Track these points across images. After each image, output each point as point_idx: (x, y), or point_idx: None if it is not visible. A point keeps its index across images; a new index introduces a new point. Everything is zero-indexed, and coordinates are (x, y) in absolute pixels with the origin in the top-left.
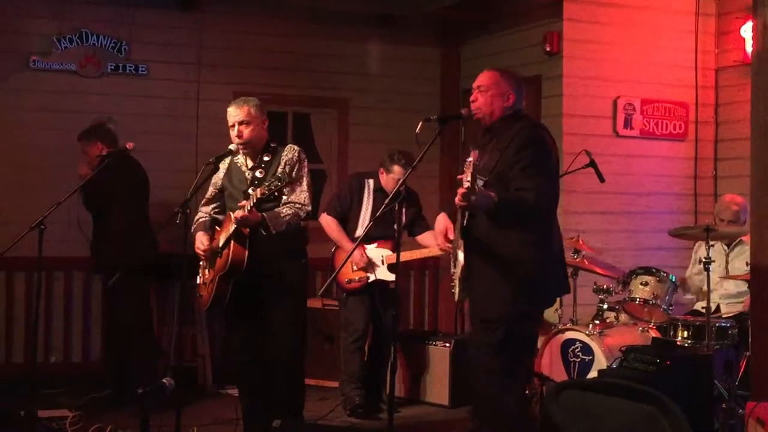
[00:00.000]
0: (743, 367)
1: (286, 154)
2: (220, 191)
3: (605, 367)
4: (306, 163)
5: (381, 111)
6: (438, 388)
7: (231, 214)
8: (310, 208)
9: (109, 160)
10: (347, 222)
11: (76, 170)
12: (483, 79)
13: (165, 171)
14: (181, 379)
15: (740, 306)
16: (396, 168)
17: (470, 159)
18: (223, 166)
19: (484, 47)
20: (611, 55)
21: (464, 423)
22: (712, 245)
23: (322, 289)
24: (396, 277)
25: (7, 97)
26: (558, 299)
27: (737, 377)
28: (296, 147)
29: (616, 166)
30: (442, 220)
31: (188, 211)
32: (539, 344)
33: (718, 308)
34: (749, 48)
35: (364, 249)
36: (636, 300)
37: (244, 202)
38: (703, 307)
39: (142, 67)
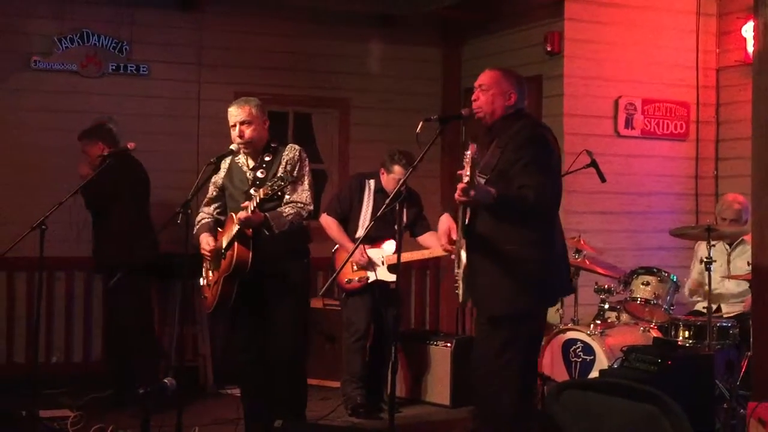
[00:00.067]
0: (744, 367)
1: (287, 154)
2: (221, 191)
3: (606, 367)
4: (307, 163)
5: (382, 111)
6: (439, 388)
7: (233, 214)
8: (312, 207)
9: (110, 160)
10: (348, 222)
11: (77, 170)
12: (484, 78)
13: (166, 171)
14: (182, 379)
15: (741, 306)
16: (397, 168)
17: (469, 153)
18: (224, 166)
19: (485, 47)
20: (612, 55)
21: (465, 423)
22: (714, 245)
23: (323, 288)
24: (397, 277)
25: (7, 97)
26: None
27: (738, 377)
28: (297, 146)
29: (617, 166)
30: (445, 221)
31: (189, 211)
32: None
33: (719, 308)
34: (750, 48)
35: (365, 249)
36: (637, 300)
37: (246, 203)
38: (704, 307)
39: (143, 67)
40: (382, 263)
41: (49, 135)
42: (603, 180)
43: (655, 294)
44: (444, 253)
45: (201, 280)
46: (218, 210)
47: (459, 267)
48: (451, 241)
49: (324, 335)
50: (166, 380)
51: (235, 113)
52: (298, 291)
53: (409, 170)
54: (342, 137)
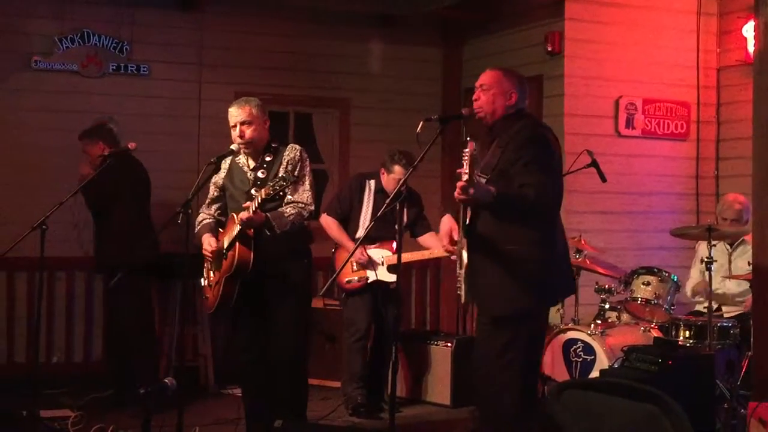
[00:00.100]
0: (745, 366)
1: (288, 154)
2: (222, 192)
3: (607, 367)
4: (308, 162)
5: (382, 111)
6: (440, 387)
7: (234, 215)
8: (313, 207)
9: (111, 160)
10: (348, 223)
11: (78, 170)
12: (485, 77)
13: (166, 171)
14: (182, 379)
15: (742, 306)
16: (397, 168)
17: (467, 150)
18: (224, 166)
19: (486, 47)
20: (613, 55)
21: (466, 423)
22: (714, 245)
23: (324, 288)
24: (397, 277)
25: (8, 97)
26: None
27: (739, 377)
28: (298, 146)
29: (618, 166)
30: (446, 222)
31: (190, 211)
32: None
33: (719, 308)
34: (751, 47)
35: (365, 248)
36: (638, 300)
37: (248, 203)
38: (704, 307)
39: (143, 67)
40: (382, 263)
41: (50, 135)
42: (603, 180)
43: (655, 294)
44: (445, 254)
45: (202, 280)
46: (219, 211)
47: (461, 268)
48: (452, 242)
49: (324, 335)
50: (166, 380)
51: (236, 113)
52: (299, 291)
53: (410, 170)
54: (342, 137)
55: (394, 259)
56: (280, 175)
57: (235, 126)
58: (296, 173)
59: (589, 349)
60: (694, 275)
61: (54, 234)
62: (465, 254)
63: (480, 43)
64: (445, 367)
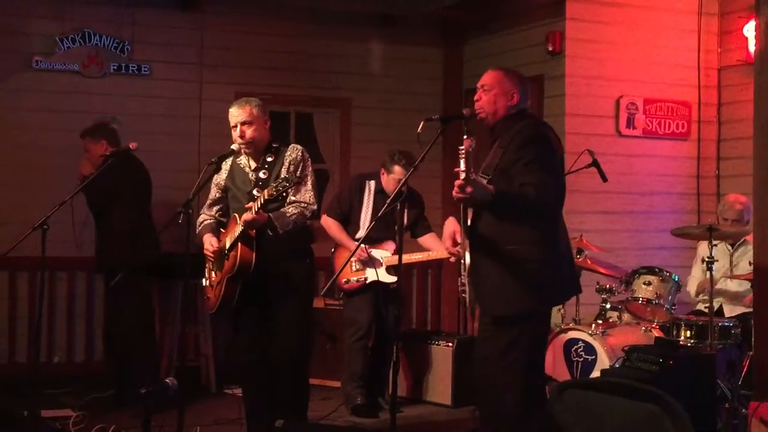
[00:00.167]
0: (746, 366)
1: (290, 154)
2: (224, 193)
3: (608, 367)
4: (310, 162)
5: (383, 111)
6: (441, 387)
7: (236, 215)
8: (315, 206)
9: (112, 160)
10: (349, 224)
11: (79, 169)
12: (487, 78)
13: (167, 171)
14: (183, 379)
15: (743, 306)
16: (396, 168)
17: (462, 148)
18: (225, 166)
19: (486, 47)
20: (614, 55)
21: (467, 423)
22: (716, 245)
23: (325, 288)
24: (398, 278)
25: (9, 97)
26: None
27: (740, 377)
28: (299, 146)
29: (619, 166)
30: (450, 224)
31: (190, 211)
32: None
33: (721, 308)
34: (752, 47)
35: (366, 248)
36: (639, 299)
37: (251, 204)
38: (706, 307)
39: (144, 67)
40: (382, 264)
41: (51, 135)
42: (604, 180)
43: (656, 294)
44: (446, 256)
45: (203, 280)
46: (220, 212)
47: (464, 271)
48: (455, 244)
49: (325, 335)
50: (167, 380)
51: (236, 114)
52: (301, 291)
53: (410, 171)
54: (343, 137)
55: (393, 260)
56: (282, 176)
57: (235, 126)
58: (298, 173)
59: (590, 348)
60: (696, 274)
61: (55, 234)
62: (468, 255)
63: (481, 43)
64: (446, 367)
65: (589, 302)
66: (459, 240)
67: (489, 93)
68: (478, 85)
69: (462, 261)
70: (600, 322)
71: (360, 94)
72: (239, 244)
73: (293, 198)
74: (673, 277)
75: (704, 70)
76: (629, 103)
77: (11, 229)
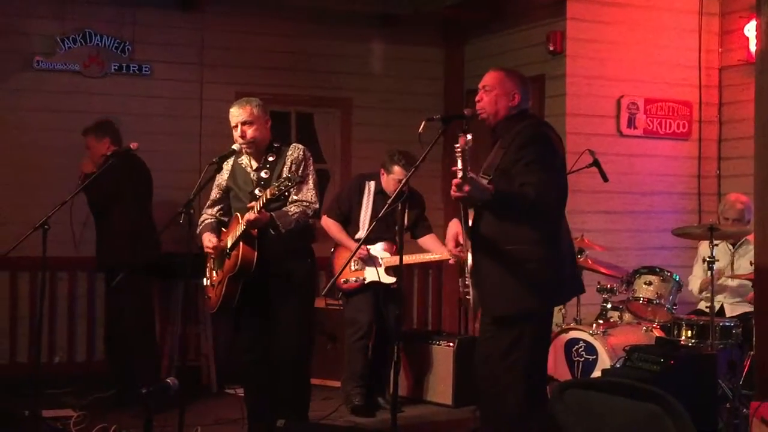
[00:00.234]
0: (747, 366)
1: (291, 154)
2: (225, 193)
3: (609, 367)
4: (311, 162)
5: (384, 111)
6: (441, 387)
7: (238, 215)
8: (317, 206)
9: (113, 160)
10: (349, 224)
11: (80, 167)
12: (488, 79)
13: (168, 171)
14: (184, 379)
15: (744, 306)
16: (396, 168)
17: (458, 145)
18: (227, 166)
19: (487, 47)
20: (615, 55)
21: (468, 423)
22: (716, 244)
23: (326, 288)
24: (399, 277)
25: (10, 97)
26: None
27: (741, 377)
28: (300, 146)
29: (620, 166)
30: (453, 226)
31: (191, 211)
32: None
33: (722, 308)
34: (753, 47)
35: (367, 248)
36: (640, 299)
37: (253, 203)
38: (707, 307)
39: (145, 67)
40: (381, 264)
41: (51, 135)
42: (605, 179)
43: (657, 293)
44: (445, 257)
45: (204, 280)
46: (221, 211)
47: (467, 272)
48: (457, 245)
49: (326, 335)
50: (168, 380)
51: (237, 114)
52: (302, 291)
53: (411, 171)
54: (344, 137)
55: (392, 261)
56: (285, 175)
57: (236, 126)
58: (300, 173)
59: (591, 348)
60: (698, 274)
61: (56, 234)
62: (470, 256)
63: (481, 43)
64: (447, 367)
65: (590, 302)
66: (462, 242)
67: (490, 94)
68: (480, 85)
69: (465, 262)
70: (601, 321)
71: (361, 94)
72: (241, 243)
73: (295, 197)
74: (674, 277)
75: (705, 70)
76: (630, 102)
77: (12, 229)
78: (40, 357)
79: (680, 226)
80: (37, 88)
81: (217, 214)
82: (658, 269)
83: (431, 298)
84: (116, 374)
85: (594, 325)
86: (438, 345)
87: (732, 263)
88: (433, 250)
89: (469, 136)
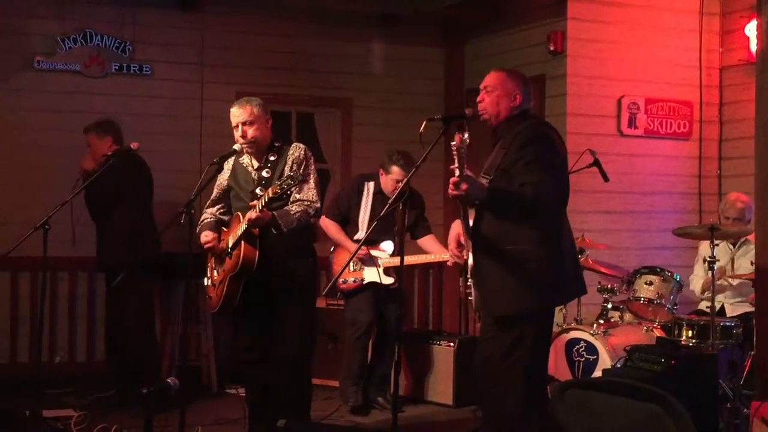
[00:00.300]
0: (748, 366)
1: (293, 153)
2: (226, 192)
3: (609, 367)
4: (312, 161)
5: (384, 111)
6: (442, 387)
7: (239, 214)
8: (318, 205)
9: (114, 159)
10: (348, 225)
11: (81, 164)
12: (489, 79)
13: (168, 171)
14: (185, 379)
15: (745, 306)
16: (394, 169)
17: (454, 144)
18: (227, 166)
19: (488, 47)
20: (615, 55)
21: (468, 423)
22: (717, 244)
23: (327, 289)
24: (399, 277)
25: (10, 97)
26: None
27: (742, 377)
28: (302, 145)
29: (621, 166)
30: (455, 227)
31: (192, 211)
32: None
33: (722, 308)
34: (753, 47)
35: (367, 249)
36: (640, 299)
37: (255, 202)
38: (707, 307)
39: (146, 67)
40: (380, 264)
41: (52, 135)
42: (606, 179)
43: (658, 293)
44: (444, 259)
45: (205, 279)
46: (222, 211)
47: (468, 272)
48: (459, 246)
49: (327, 335)
50: (169, 380)
51: (237, 114)
52: (304, 290)
53: (411, 171)
54: (344, 137)
55: (391, 262)
56: (287, 174)
57: (237, 126)
58: (301, 172)
59: (591, 348)
60: (699, 273)
61: (56, 234)
62: (471, 257)
63: (482, 43)
64: (448, 366)
65: (590, 302)
66: (463, 242)
67: (492, 94)
68: (481, 86)
69: (466, 262)
70: (601, 321)
71: (361, 94)
72: (242, 242)
73: (297, 196)
74: (674, 276)
75: (706, 70)
76: (631, 102)
77: (12, 229)
78: (41, 357)
79: (681, 225)
80: (37, 88)
81: (218, 213)
82: (658, 269)
83: (432, 298)
84: (117, 374)
85: (595, 325)
86: (438, 345)
87: (732, 263)
88: (432, 251)
89: (465, 135)
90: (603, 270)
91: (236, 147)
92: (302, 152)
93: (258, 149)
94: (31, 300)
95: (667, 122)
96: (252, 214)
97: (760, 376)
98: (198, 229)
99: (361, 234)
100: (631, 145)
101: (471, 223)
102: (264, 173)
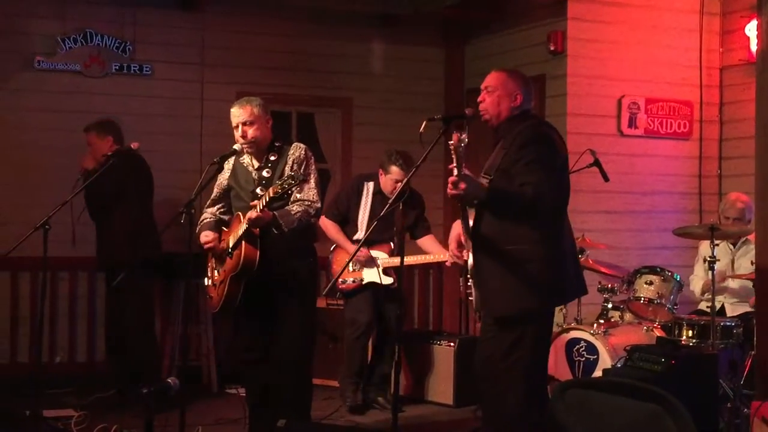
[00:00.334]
0: (748, 366)
1: (293, 153)
2: (226, 192)
3: (610, 367)
4: (313, 161)
5: (384, 111)
6: (442, 387)
7: (240, 214)
8: (319, 205)
9: (115, 159)
10: (347, 225)
11: (81, 163)
12: (490, 79)
13: (169, 171)
14: (185, 379)
15: (745, 306)
16: (393, 168)
17: (452, 143)
18: (228, 166)
19: (488, 47)
20: (615, 54)
21: (469, 423)
22: (717, 244)
23: (327, 289)
24: (399, 277)
25: (10, 97)
26: None
27: (742, 376)
28: (302, 145)
29: (621, 165)
30: (456, 227)
31: (193, 211)
32: None
33: (723, 308)
34: (754, 47)
35: (366, 250)
36: (641, 299)
37: (256, 202)
38: (707, 307)
39: (146, 67)
40: (379, 265)
41: (52, 135)
42: (606, 179)
43: (658, 293)
44: (442, 259)
45: (206, 280)
46: (222, 210)
47: (468, 272)
48: (460, 246)
49: (327, 335)
50: (169, 380)
51: (237, 114)
52: (305, 290)
53: (411, 171)
54: (345, 137)
55: (390, 262)
56: (288, 174)
57: (237, 126)
58: (302, 172)
59: (592, 348)
60: (699, 273)
61: (56, 234)
62: (471, 257)
63: (482, 43)
64: (448, 366)
65: (590, 302)
66: (464, 242)
67: (492, 95)
68: (482, 86)
69: (467, 263)
70: (602, 321)
71: (361, 94)
72: (243, 242)
73: (297, 196)
74: (674, 276)
75: (706, 70)
76: (631, 102)
77: (12, 229)
78: (41, 357)
79: (681, 225)
80: (37, 88)
81: (218, 213)
82: (659, 269)
83: (432, 298)
84: (117, 374)
85: (595, 324)
86: (439, 345)
87: (732, 263)
88: (431, 251)
89: (463, 135)
90: (603, 270)
91: (236, 147)
92: (303, 152)
93: (258, 149)
94: (31, 300)
95: (668, 122)
96: (252, 214)
97: (760, 375)
98: (198, 228)
99: (360, 234)
100: (631, 145)
101: (471, 223)
102: (264, 173)
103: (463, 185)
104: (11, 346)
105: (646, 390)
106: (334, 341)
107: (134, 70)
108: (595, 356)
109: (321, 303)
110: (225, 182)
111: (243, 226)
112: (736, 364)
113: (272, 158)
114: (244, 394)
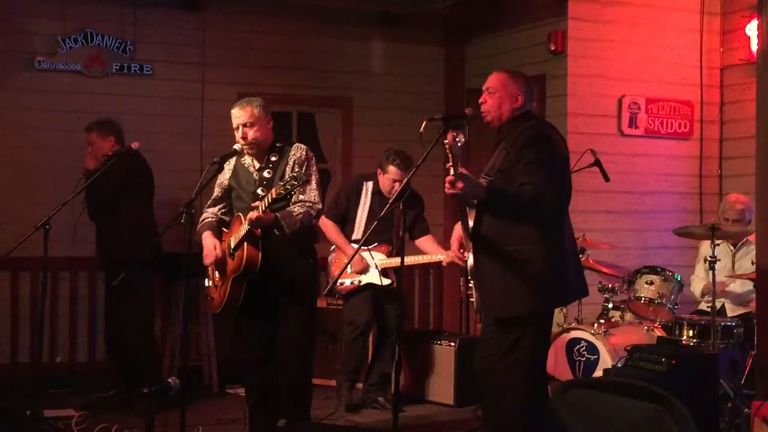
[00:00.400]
0: (749, 366)
1: (294, 154)
2: (227, 192)
3: (610, 367)
4: (314, 162)
5: (385, 110)
6: (443, 387)
7: (241, 215)
8: (320, 206)
9: (115, 159)
10: (346, 225)
11: (83, 164)
12: (491, 80)
13: (169, 171)
14: (185, 379)
15: (744, 307)
16: (391, 168)
17: (447, 142)
18: (228, 166)
19: (489, 46)
20: (616, 54)
21: (469, 423)
22: (718, 244)
23: (327, 289)
24: (399, 277)
25: (11, 97)
26: None
27: (743, 376)
28: (303, 146)
29: (621, 165)
30: (458, 228)
31: (193, 211)
32: None
33: (723, 308)
34: (754, 46)
35: (363, 260)
36: (641, 299)
37: (257, 203)
38: (708, 307)
39: (147, 67)
40: (376, 266)
41: (53, 135)
42: (607, 179)
43: (659, 293)
44: (441, 259)
45: (206, 281)
46: (223, 210)
47: (469, 273)
48: (461, 247)
49: (327, 335)
50: (170, 380)
51: (238, 115)
52: (305, 291)
53: (410, 171)
54: (345, 137)
55: (388, 263)
56: (290, 175)
57: (237, 128)
58: (303, 172)
59: (592, 348)
60: (700, 274)
61: (57, 234)
62: (471, 257)
63: (483, 43)
64: (449, 366)
65: (591, 302)
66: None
67: (494, 96)
68: (483, 87)
69: (466, 263)
70: (602, 321)
71: (362, 94)
72: (245, 243)
73: (299, 197)
74: (675, 276)
75: (706, 70)
76: (631, 102)
77: (12, 229)
78: (42, 357)
79: (682, 225)
80: (38, 88)
81: (218, 213)
82: (659, 269)
83: (432, 297)
84: (118, 374)
85: (595, 324)
86: (439, 345)
87: (733, 264)
88: (429, 251)
89: (458, 134)
90: (604, 270)
91: (237, 147)
92: (304, 153)
93: (259, 150)
94: (31, 300)
95: (668, 122)
96: (253, 215)
97: (760, 375)
98: (198, 227)
99: (358, 234)
100: (631, 145)
101: (471, 224)
102: (265, 174)
103: (460, 184)
104: (12, 346)
105: (646, 390)
106: (334, 341)
107: (135, 70)
108: (596, 356)
109: (321, 303)
110: (226, 182)
111: (244, 228)
112: (737, 364)
113: (273, 159)
114: (243, 394)
